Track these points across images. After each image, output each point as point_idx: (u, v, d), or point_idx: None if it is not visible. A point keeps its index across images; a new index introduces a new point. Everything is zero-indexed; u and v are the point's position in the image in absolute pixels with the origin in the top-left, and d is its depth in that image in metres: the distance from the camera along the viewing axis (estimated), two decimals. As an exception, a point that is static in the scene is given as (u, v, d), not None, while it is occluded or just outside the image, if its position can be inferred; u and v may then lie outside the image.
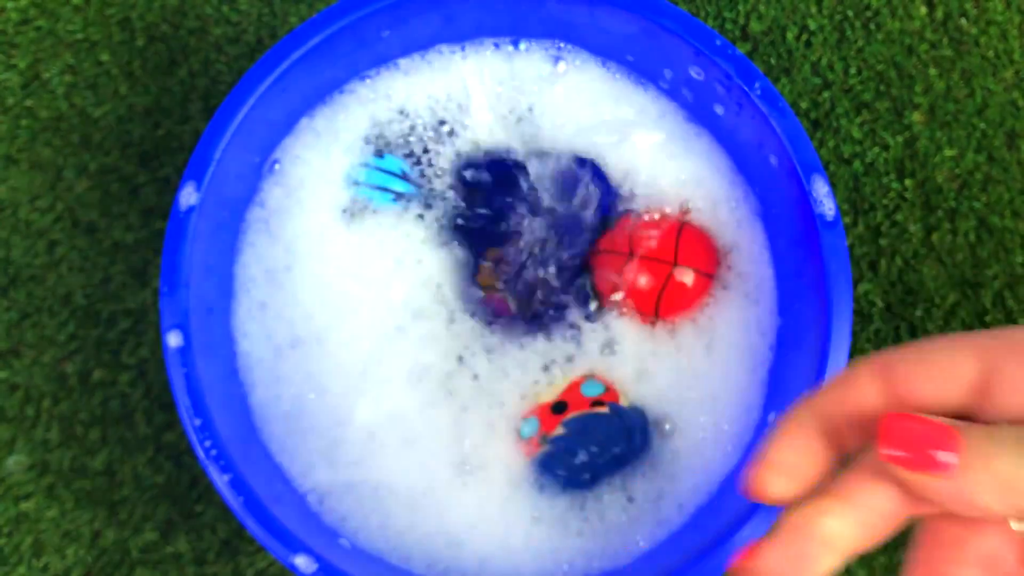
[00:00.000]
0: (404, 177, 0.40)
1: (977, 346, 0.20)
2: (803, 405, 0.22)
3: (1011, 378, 0.19)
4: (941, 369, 0.20)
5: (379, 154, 0.40)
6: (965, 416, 0.20)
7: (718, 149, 0.41)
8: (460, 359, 0.39)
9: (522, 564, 0.38)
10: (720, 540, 0.34)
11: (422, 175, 0.41)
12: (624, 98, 0.42)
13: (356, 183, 0.40)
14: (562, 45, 0.42)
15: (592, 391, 0.38)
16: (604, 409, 0.38)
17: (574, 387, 0.39)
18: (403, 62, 0.42)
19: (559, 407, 0.38)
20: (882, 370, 0.21)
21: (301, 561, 0.33)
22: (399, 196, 0.40)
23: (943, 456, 0.19)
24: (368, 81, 0.42)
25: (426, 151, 0.41)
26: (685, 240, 0.39)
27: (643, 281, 0.38)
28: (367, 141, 0.41)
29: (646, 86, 0.42)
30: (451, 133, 0.41)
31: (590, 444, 0.37)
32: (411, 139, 0.41)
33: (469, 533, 0.38)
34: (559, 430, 0.38)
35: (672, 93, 0.41)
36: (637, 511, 0.38)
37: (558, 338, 0.40)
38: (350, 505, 0.38)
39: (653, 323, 0.39)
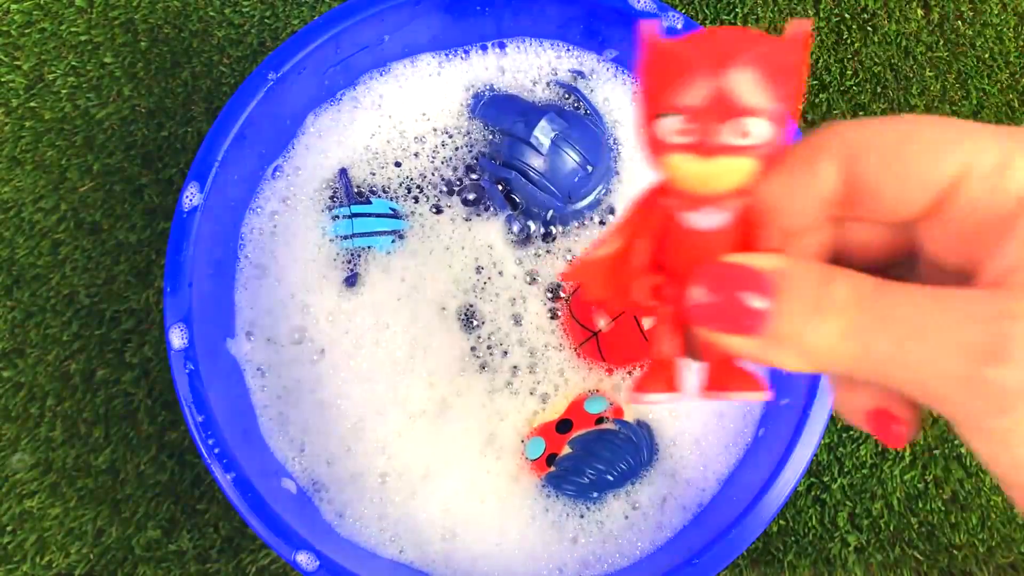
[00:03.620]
0: (395, 215, 0.40)
1: (954, 138, 0.16)
2: (759, 184, 0.17)
3: (974, 186, 0.16)
4: (912, 159, 0.16)
5: (367, 200, 0.40)
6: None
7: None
8: (462, 360, 0.40)
9: (515, 564, 0.38)
10: (720, 536, 0.34)
11: (415, 190, 0.41)
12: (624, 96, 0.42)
13: (345, 236, 0.40)
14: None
15: (596, 407, 0.38)
16: (610, 425, 0.38)
17: (577, 404, 0.39)
18: (401, 66, 0.42)
19: (564, 425, 0.38)
20: (846, 149, 0.17)
21: (303, 558, 0.34)
22: (395, 234, 0.40)
23: (753, 305, 0.16)
24: (368, 84, 0.42)
25: (435, 150, 0.41)
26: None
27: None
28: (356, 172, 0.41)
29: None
30: (449, 136, 0.42)
31: (597, 462, 0.37)
32: (410, 142, 0.42)
33: (464, 529, 0.38)
34: (566, 450, 0.37)
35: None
36: (639, 516, 0.39)
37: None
38: (347, 499, 0.38)
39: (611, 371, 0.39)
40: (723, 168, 0.16)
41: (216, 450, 0.34)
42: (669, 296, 0.18)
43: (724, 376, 0.19)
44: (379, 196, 0.41)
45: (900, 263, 0.19)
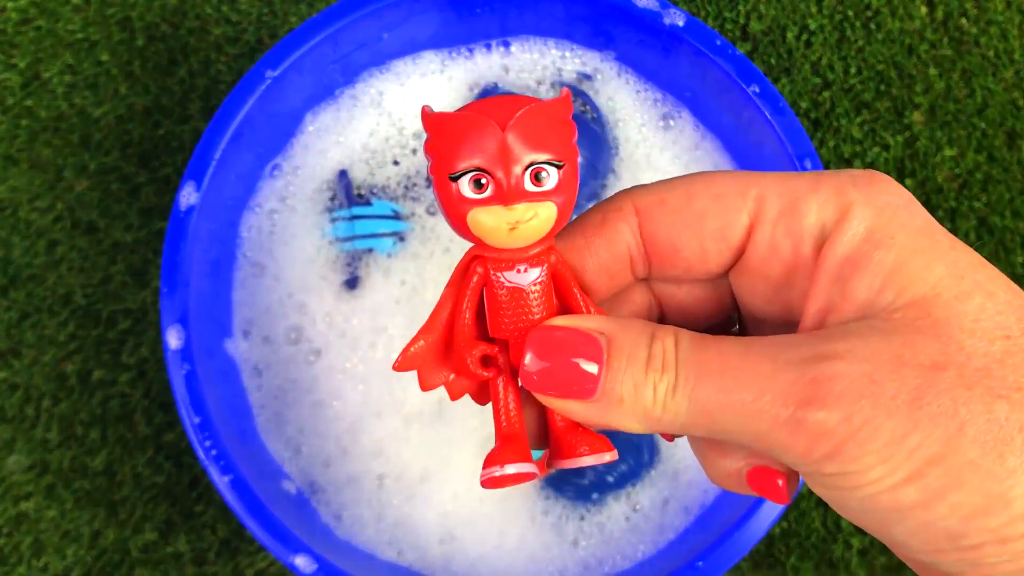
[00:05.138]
0: (396, 216, 0.40)
1: (740, 188, 0.16)
2: (567, 244, 0.18)
3: (765, 230, 0.16)
4: (701, 214, 0.17)
5: (367, 202, 0.40)
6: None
7: (717, 147, 0.41)
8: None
9: (515, 566, 0.38)
10: (723, 538, 0.34)
11: (412, 189, 0.41)
12: (642, 100, 0.42)
13: (346, 239, 0.39)
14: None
15: None
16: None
17: None
18: (400, 64, 0.42)
19: None
20: (639, 208, 0.17)
21: (301, 561, 0.33)
22: (396, 235, 0.40)
23: (586, 370, 0.16)
24: (367, 82, 0.42)
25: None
26: None
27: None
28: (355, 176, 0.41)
29: (645, 82, 0.42)
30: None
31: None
32: (408, 143, 0.41)
33: (463, 531, 0.38)
34: None
35: (684, 98, 0.41)
36: (640, 518, 0.38)
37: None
38: (345, 501, 0.38)
39: None
40: (525, 214, 0.17)
41: (213, 452, 0.34)
42: (501, 363, 0.19)
43: (573, 441, 0.19)
44: (379, 197, 0.40)
45: (730, 320, 0.19)
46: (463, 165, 0.17)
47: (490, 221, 0.17)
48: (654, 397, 0.16)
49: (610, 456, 0.19)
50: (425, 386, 0.20)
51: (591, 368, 0.16)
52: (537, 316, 0.18)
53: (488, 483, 0.19)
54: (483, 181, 0.17)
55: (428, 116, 0.17)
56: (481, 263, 0.18)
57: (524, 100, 0.17)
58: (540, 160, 0.17)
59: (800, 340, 0.15)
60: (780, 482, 0.17)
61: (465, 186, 0.17)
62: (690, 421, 0.16)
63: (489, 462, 0.19)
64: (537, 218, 0.17)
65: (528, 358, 0.17)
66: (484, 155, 0.16)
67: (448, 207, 0.17)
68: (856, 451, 0.14)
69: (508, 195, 0.16)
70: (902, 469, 0.14)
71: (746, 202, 0.16)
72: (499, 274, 0.18)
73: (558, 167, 0.17)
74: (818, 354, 0.14)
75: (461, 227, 0.17)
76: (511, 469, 0.19)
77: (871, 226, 0.15)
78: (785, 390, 0.14)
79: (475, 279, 0.18)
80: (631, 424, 0.16)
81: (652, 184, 0.17)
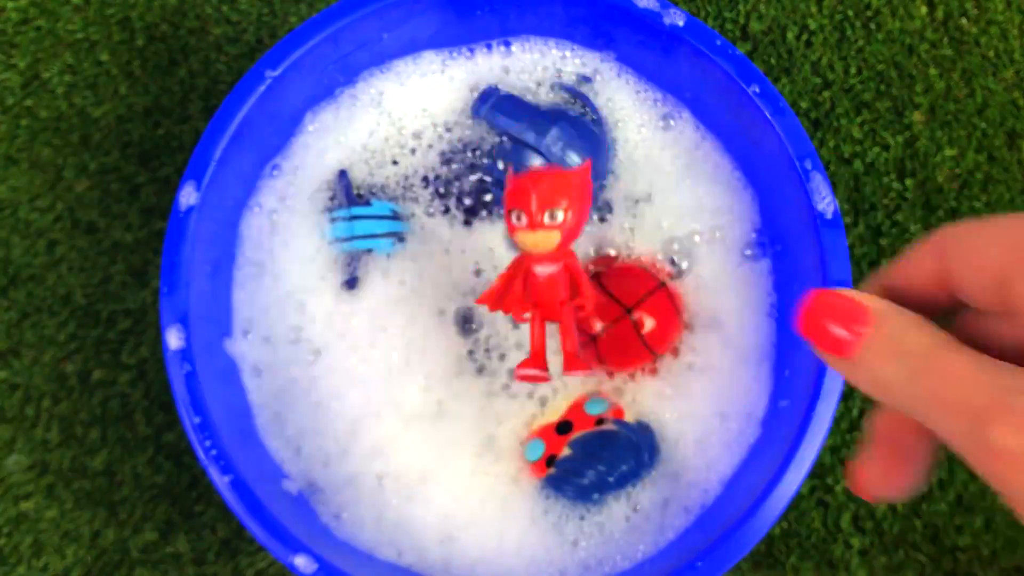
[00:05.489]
0: (395, 216, 0.40)
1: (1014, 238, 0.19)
2: (871, 280, 0.22)
3: None
4: (989, 245, 0.19)
5: (367, 202, 0.40)
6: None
7: (717, 147, 0.41)
8: (460, 363, 0.39)
9: (515, 568, 0.38)
10: (723, 539, 0.34)
11: (410, 189, 0.41)
12: (642, 102, 0.42)
13: (345, 239, 0.39)
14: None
15: (596, 409, 0.38)
16: (611, 426, 0.38)
17: (578, 405, 0.38)
18: (401, 64, 0.42)
19: (564, 427, 0.38)
20: (937, 246, 0.20)
21: (301, 561, 0.33)
22: (395, 236, 0.40)
23: (842, 334, 0.19)
24: (367, 82, 0.42)
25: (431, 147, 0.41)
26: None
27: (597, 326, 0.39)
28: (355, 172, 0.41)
29: (646, 83, 0.42)
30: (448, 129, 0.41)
31: (598, 464, 0.37)
32: (406, 144, 0.41)
33: (463, 532, 0.38)
34: (566, 451, 0.37)
35: (684, 99, 0.41)
36: (641, 519, 0.38)
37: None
38: (344, 501, 0.38)
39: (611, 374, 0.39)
40: (542, 237, 0.30)
41: (213, 452, 0.34)
42: (536, 315, 0.33)
43: (571, 364, 0.33)
44: (378, 197, 0.40)
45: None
46: (512, 206, 0.31)
47: (523, 238, 0.31)
48: (892, 377, 0.18)
49: (594, 373, 0.36)
50: (491, 309, 0.34)
51: (853, 335, 0.19)
52: (552, 289, 0.32)
53: (521, 378, 0.33)
54: (522, 216, 0.30)
55: (509, 176, 0.32)
56: (525, 259, 0.32)
57: (557, 172, 0.31)
58: (550, 207, 0.30)
59: (1014, 369, 0.17)
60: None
61: (514, 218, 0.31)
62: (910, 405, 0.18)
63: (522, 366, 0.33)
64: (549, 240, 0.30)
65: (810, 313, 0.20)
66: (522, 202, 0.30)
67: (508, 229, 0.31)
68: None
69: (532, 226, 0.30)
70: None
71: (998, 248, 0.19)
72: (533, 267, 0.32)
73: (563, 210, 0.30)
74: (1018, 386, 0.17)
75: (513, 239, 0.31)
76: (534, 372, 0.33)
77: None
78: (975, 405, 0.17)
79: (522, 268, 0.32)
80: (865, 386, 0.19)
81: (958, 224, 0.20)
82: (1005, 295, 0.19)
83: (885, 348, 0.19)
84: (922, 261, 0.20)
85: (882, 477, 0.22)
